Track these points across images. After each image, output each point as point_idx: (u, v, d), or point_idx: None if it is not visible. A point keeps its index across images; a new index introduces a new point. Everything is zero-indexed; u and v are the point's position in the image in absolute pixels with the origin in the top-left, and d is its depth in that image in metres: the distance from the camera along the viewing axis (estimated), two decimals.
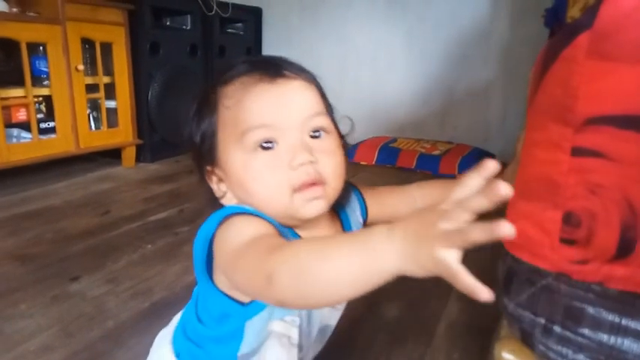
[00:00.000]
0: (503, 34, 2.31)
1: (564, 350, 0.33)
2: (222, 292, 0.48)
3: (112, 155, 2.13)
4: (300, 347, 0.53)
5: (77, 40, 1.79)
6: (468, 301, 1.03)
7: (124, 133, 2.08)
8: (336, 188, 0.48)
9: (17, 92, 1.66)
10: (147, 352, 0.83)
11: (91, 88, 1.91)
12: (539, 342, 0.34)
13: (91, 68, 1.92)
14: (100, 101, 1.96)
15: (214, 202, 0.53)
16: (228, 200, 0.50)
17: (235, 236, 0.42)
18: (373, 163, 2.31)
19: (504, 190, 0.26)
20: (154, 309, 0.99)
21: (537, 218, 0.34)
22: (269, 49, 2.95)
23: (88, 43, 1.87)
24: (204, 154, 0.50)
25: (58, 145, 1.80)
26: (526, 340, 0.36)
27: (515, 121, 2.24)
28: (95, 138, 1.95)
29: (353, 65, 2.71)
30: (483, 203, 0.27)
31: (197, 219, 1.51)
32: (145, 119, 2.16)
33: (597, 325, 0.32)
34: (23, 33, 1.62)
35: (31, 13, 1.69)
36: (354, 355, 0.86)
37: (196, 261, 0.49)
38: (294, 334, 0.51)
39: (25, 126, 1.71)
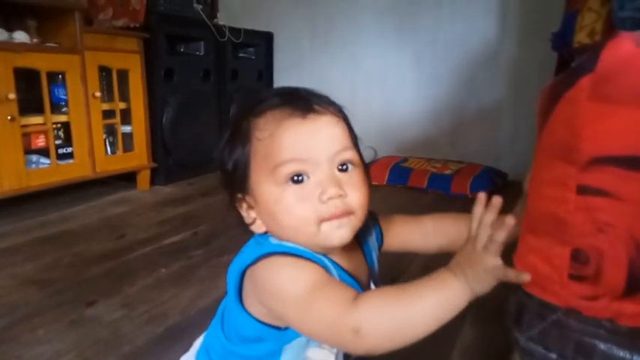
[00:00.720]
0: (511, 55, 2.33)
1: None
2: (256, 319, 0.49)
3: (127, 179, 2.17)
4: None
5: (94, 68, 1.85)
6: (481, 327, 1.03)
7: (139, 157, 2.12)
8: (361, 219, 0.50)
9: (37, 119, 1.71)
10: None
11: (108, 114, 1.96)
12: None
13: (107, 94, 1.98)
14: (116, 126, 2.01)
15: (244, 227, 0.54)
16: (258, 227, 0.51)
17: (290, 283, 0.44)
18: (384, 183, 2.31)
19: (510, 221, 0.35)
20: (168, 334, 1.00)
21: (546, 254, 0.35)
22: (280, 72, 3.00)
23: (104, 71, 1.93)
24: (235, 182, 0.51)
25: (76, 169, 1.84)
26: None
27: (526, 140, 2.23)
28: (111, 162, 2.00)
29: (363, 87, 2.75)
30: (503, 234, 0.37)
31: (211, 242, 1.53)
32: (160, 143, 2.21)
33: None
34: (43, 63, 1.68)
35: (51, 44, 1.75)
36: None
37: (230, 288, 0.51)
38: None
39: (44, 152, 1.76)
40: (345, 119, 0.53)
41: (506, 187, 2.15)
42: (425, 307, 0.40)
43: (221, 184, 0.55)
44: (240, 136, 0.51)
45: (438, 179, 2.21)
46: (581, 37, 0.98)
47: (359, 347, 0.41)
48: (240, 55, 2.75)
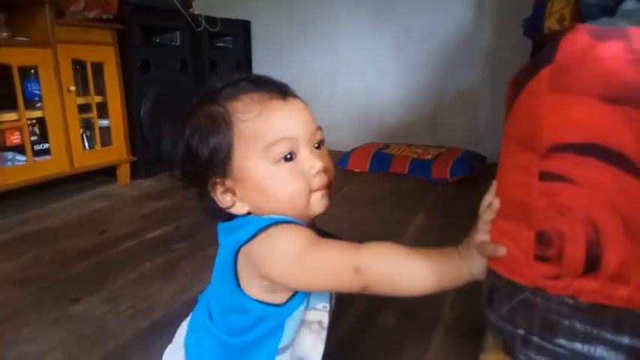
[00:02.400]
0: (487, 41, 2.35)
1: (542, 359, 0.36)
2: (256, 300, 0.52)
3: (107, 173, 2.14)
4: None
5: (68, 61, 1.81)
6: (461, 308, 1.06)
7: (118, 151, 2.09)
8: (332, 190, 0.56)
9: (10, 116, 1.67)
10: None
11: (84, 108, 1.93)
12: (520, 352, 0.37)
13: (82, 88, 1.94)
14: (92, 120, 1.98)
15: (215, 214, 0.55)
16: (239, 209, 0.54)
17: (288, 244, 0.49)
18: (366, 170, 2.33)
19: (496, 203, 0.41)
20: (154, 327, 1.01)
21: (514, 237, 0.37)
22: (259, 62, 2.98)
23: (79, 64, 1.89)
24: (212, 167, 0.53)
25: (53, 166, 1.81)
26: (508, 350, 0.38)
27: (504, 123, 2.28)
28: (89, 157, 1.97)
29: (343, 75, 2.75)
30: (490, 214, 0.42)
31: (193, 235, 1.53)
32: (139, 136, 2.18)
33: (571, 335, 0.34)
34: (14, 57, 1.64)
35: (22, 38, 1.71)
36: None
37: (224, 275, 0.52)
38: (325, 319, 0.58)
39: (20, 149, 1.72)
40: None
41: (485, 170, 2.20)
42: (424, 268, 0.45)
43: (185, 177, 0.56)
44: (215, 121, 0.52)
45: (419, 165, 2.24)
46: (551, 23, 1.01)
47: (357, 284, 0.47)
48: (218, 44, 2.72)
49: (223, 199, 0.54)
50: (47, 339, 0.97)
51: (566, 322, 0.34)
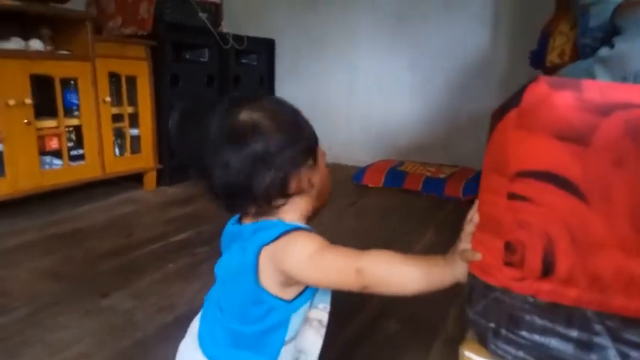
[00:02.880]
0: (502, 63, 2.43)
1: (509, 349, 0.43)
2: (268, 292, 0.61)
3: (134, 179, 2.27)
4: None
5: (105, 74, 1.95)
6: (464, 322, 1.12)
7: (146, 159, 2.21)
8: None
9: (50, 123, 1.81)
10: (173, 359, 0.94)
11: (117, 118, 2.06)
12: (491, 342, 0.44)
13: (116, 99, 2.07)
14: (124, 129, 2.11)
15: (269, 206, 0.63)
16: (312, 197, 0.66)
17: (304, 247, 0.58)
18: (381, 185, 2.41)
19: (476, 218, 0.50)
20: (177, 322, 1.09)
21: (487, 246, 0.45)
22: (281, 78, 3.10)
23: (114, 77, 2.03)
24: (310, 151, 0.64)
25: (87, 170, 1.94)
26: (482, 341, 0.45)
27: None
28: (119, 163, 2.09)
29: (360, 93, 2.84)
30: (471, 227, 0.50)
31: (214, 240, 1.62)
32: (165, 146, 2.30)
33: (532, 328, 0.42)
34: (57, 69, 1.78)
35: (64, 52, 1.85)
36: None
37: (244, 271, 0.61)
38: (325, 318, 0.67)
39: (57, 154, 1.85)
40: None
41: None
42: (415, 271, 0.54)
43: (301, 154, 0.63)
44: (304, 117, 0.66)
45: (432, 182, 2.31)
46: (552, 57, 1.08)
47: (357, 284, 0.56)
48: (243, 61, 2.85)
49: (303, 183, 0.63)
50: (81, 327, 1.07)
51: (528, 317, 0.42)
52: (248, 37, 2.72)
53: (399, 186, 2.38)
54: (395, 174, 2.42)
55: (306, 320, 0.66)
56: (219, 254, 1.56)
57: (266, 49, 2.99)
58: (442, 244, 0.58)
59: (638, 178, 0.36)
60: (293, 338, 0.65)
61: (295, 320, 0.64)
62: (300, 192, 0.63)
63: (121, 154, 2.14)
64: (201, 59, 2.51)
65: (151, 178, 2.27)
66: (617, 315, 0.39)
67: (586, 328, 0.40)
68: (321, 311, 0.67)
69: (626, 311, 0.38)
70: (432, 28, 2.59)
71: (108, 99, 1.96)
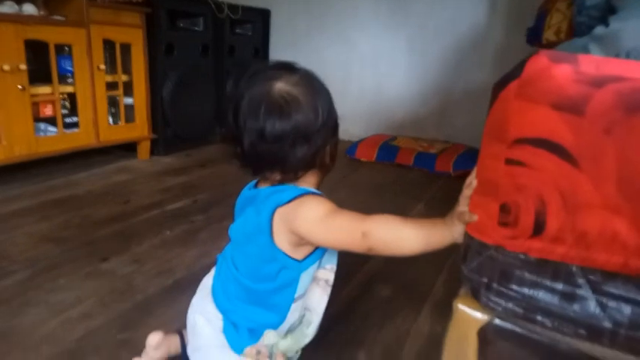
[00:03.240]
0: (497, 42, 2.44)
1: (500, 301, 0.47)
2: (281, 250, 0.64)
3: (128, 148, 2.27)
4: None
5: (99, 41, 1.93)
6: (452, 288, 1.17)
7: (140, 128, 2.21)
8: None
9: (45, 89, 1.79)
10: (173, 321, 0.98)
11: (111, 86, 2.04)
12: (484, 296, 0.48)
13: (110, 67, 2.05)
14: (118, 98, 2.10)
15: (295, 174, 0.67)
16: (329, 166, 0.70)
17: (315, 210, 0.61)
18: (374, 159, 2.44)
19: (475, 182, 0.53)
20: (176, 286, 1.13)
21: (484, 208, 0.48)
22: (276, 50, 3.08)
23: (108, 44, 2.00)
24: (329, 130, 0.66)
25: (81, 138, 1.94)
26: (475, 295, 0.49)
27: None
28: (114, 132, 2.09)
29: (357, 68, 2.84)
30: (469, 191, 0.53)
31: (210, 209, 1.65)
32: (160, 115, 2.30)
33: (522, 282, 0.46)
34: (52, 35, 1.76)
35: (58, 17, 1.82)
36: (351, 327, 1.00)
37: (259, 231, 0.64)
38: (331, 278, 0.71)
39: (52, 121, 1.84)
40: None
41: None
42: (417, 233, 0.58)
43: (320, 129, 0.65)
44: (328, 105, 0.67)
45: (423, 157, 2.34)
46: (549, 35, 1.11)
47: (363, 245, 0.60)
48: (237, 31, 2.82)
49: (326, 158, 0.68)
50: (82, 289, 1.10)
51: (518, 272, 0.45)
52: (243, 7, 2.69)
53: (391, 160, 2.41)
54: (387, 149, 2.45)
55: (313, 279, 0.70)
56: (215, 222, 1.60)
57: (261, 19, 2.96)
58: (432, 217, 0.62)
59: (625, 145, 0.39)
60: (302, 296, 0.69)
61: (304, 279, 0.68)
62: (322, 166, 0.67)
63: (115, 122, 2.14)
64: (196, 28, 2.48)
65: (144, 148, 2.28)
66: (598, 270, 0.42)
67: (570, 281, 0.44)
68: (328, 271, 0.71)
69: (607, 266, 0.42)
70: (430, 5, 2.58)
71: (102, 66, 1.95)
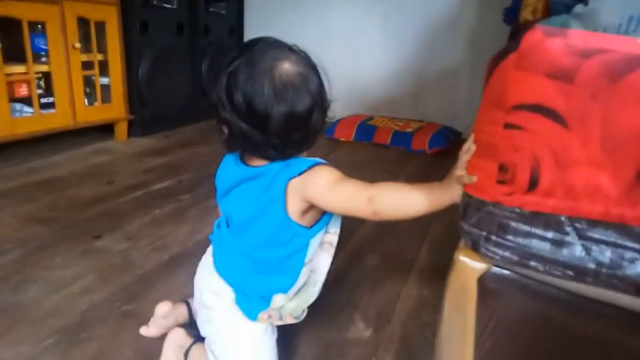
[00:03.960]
0: (470, 22, 2.51)
1: (497, 251, 0.53)
2: (293, 220, 0.69)
3: (104, 130, 2.24)
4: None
5: (74, 19, 1.88)
6: (435, 254, 1.25)
7: (117, 109, 2.18)
8: None
9: (19, 69, 1.75)
10: (174, 292, 1.02)
11: (86, 65, 2.00)
12: (483, 247, 0.54)
13: (85, 46, 2.01)
14: (94, 78, 2.06)
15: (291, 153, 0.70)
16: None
17: (326, 177, 0.66)
18: (351, 139, 2.50)
19: (473, 147, 0.57)
20: (173, 260, 1.16)
21: (483, 168, 0.54)
22: (251, 28, 3.06)
23: (83, 22, 1.95)
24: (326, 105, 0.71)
25: (57, 119, 1.90)
26: (474, 247, 0.55)
27: (482, 93, 2.46)
28: (90, 113, 2.06)
29: (332, 48, 2.86)
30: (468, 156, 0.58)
31: (195, 188, 1.67)
32: (136, 95, 2.27)
33: (517, 233, 0.52)
34: (24, 12, 1.70)
35: None
36: (343, 294, 1.06)
37: (273, 201, 0.68)
38: (335, 240, 0.77)
39: (27, 101, 1.80)
40: None
41: (460, 143, 2.39)
42: (418, 196, 0.63)
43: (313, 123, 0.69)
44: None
45: (400, 136, 2.41)
46: (526, 14, 1.17)
47: (369, 210, 0.64)
48: (212, 10, 2.78)
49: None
50: (80, 266, 1.11)
51: (514, 224, 0.52)
52: None
53: (368, 140, 2.47)
54: (365, 128, 2.51)
55: (320, 243, 0.75)
56: (203, 201, 1.61)
57: None
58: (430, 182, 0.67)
59: (608, 108, 0.45)
60: (311, 260, 0.74)
61: (313, 244, 0.72)
62: (313, 143, 0.71)
63: (91, 103, 2.10)
64: (170, 6, 2.44)
65: (122, 129, 2.25)
66: (584, 218, 0.49)
67: (559, 230, 0.50)
68: (332, 235, 0.76)
69: (591, 215, 0.48)
70: None
71: (77, 45, 1.90)
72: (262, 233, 0.72)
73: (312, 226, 0.72)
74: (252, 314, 0.75)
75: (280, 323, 0.78)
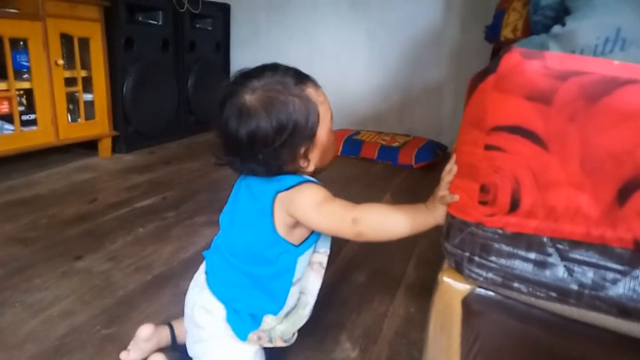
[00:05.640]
0: (454, 38, 2.55)
1: (480, 272, 0.53)
2: (281, 236, 0.68)
3: (88, 146, 2.21)
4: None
5: (56, 35, 1.86)
6: (422, 271, 1.24)
7: (101, 125, 2.16)
8: None
9: (0, 86, 1.72)
10: (157, 314, 1.00)
11: (69, 82, 1.98)
12: (466, 268, 0.54)
13: (69, 62, 1.99)
14: (77, 94, 2.04)
15: (273, 171, 0.69)
16: (309, 167, 0.71)
17: (312, 196, 0.66)
18: (338, 154, 2.50)
19: (455, 169, 0.58)
20: (156, 281, 1.14)
21: (465, 189, 0.54)
22: (237, 45, 3.07)
23: (66, 38, 1.94)
24: (304, 137, 0.68)
25: (39, 136, 1.87)
26: (458, 267, 0.55)
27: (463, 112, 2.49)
28: (73, 130, 2.03)
29: (318, 63, 2.88)
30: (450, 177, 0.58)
31: (180, 206, 1.65)
32: (120, 112, 2.25)
33: (500, 254, 0.51)
34: (6, 28, 1.68)
35: (12, 10, 1.75)
36: (331, 311, 1.05)
37: (260, 216, 0.68)
38: (325, 261, 0.76)
39: (8, 118, 1.77)
40: None
41: (446, 157, 2.40)
42: (403, 218, 0.63)
43: (278, 146, 0.66)
44: (309, 103, 0.68)
45: (386, 151, 2.42)
46: (506, 33, 1.19)
47: (353, 231, 0.64)
48: (198, 25, 2.79)
49: (304, 161, 0.70)
50: (60, 288, 1.08)
51: (497, 245, 0.51)
52: (203, 1, 2.66)
53: (355, 154, 2.48)
54: (352, 143, 2.52)
55: (308, 263, 0.74)
56: (187, 219, 1.60)
57: (221, 14, 2.94)
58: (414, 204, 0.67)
59: (587, 130, 0.45)
60: (299, 280, 0.73)
61: (301, 263, 0.72)
62: (304, 167, 0.71)
63: (75, 120, 2.08)
64: (156, 22, 2.44)
65: (106, 145, 2.22)
66: (565, 239, 0.49)
67: (542, 251, 0.50)
68: (322, 255, 0.76)
69: (572, 235, 0.48)
70: (389, 2, 2.65)
71: (60, 61, 1.88)
72: (251, 247, 0.72)
73: (300, 244, 0.71)
74: (242, 334, 0.73)
75: (270, 346, 0.77)
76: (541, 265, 0.50)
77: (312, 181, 0.70)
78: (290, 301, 0.73)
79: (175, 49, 2.55)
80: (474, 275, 0.54)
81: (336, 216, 0.65)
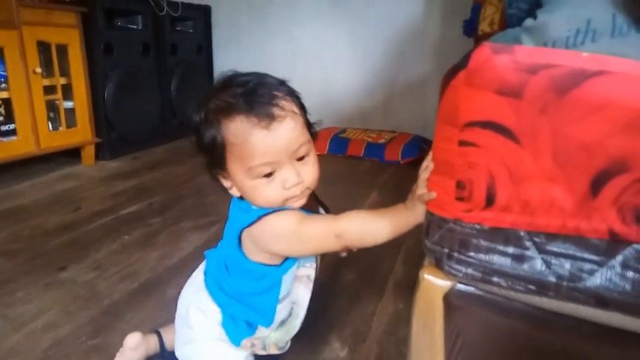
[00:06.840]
0: (435, 34, 2.56)
1: (460, 268, 0.53)
2: (259, 264, 0.67)
3: (70, 154, 2.18)
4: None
5: (33, 43, 1.84)
6: (409, 267, 1.25)
7: (83, 133, 2.13)
8: (312, 188, 0.68)
9: None
10: (144, 322, 0.98)
11: (49, 90, 1.95)
12: (446, 264, 0.54)
13: (47, 70, 1.96)
14: (57, 102, 2.01)
15: (221, 188, 0.69)
16: (234, 192, 0.68)
17: (286, 224, 0.62)
18: (325, 152, 2.50)
19: (431, 165, 0.57)
20: (142, 289, 1.12)
21: (442, 186, 0.54)
22: (219, 47, 3.05)
23: (43, 46, 1.91)
24: (213, 160, 0.65)
25: (20, 146, 1.84)
26: (438, 264, 0.55)
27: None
28: (55, 138, 2.00)
29: (302, 63, 2.88)
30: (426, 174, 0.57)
31: (166, 211, 1.63)
32: (103, 118, 2.22)
33: (478, 249, 0.51)
34: None
35: None
36: (319, 312, 1.04)
37: (231, 247, 0.67)
38: (312, 273, 0.74)
39: None
40: (301, 109, 0.67)
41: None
42: (384, 223, 0.62)
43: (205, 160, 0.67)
44: (213, 129, 0.62)
45: (373, 148, 2.43)
46: (484, 26, 1.20)
47: (339, 245, 0.63)
48: (179, 28, 2.77)
49: (225, 182, 0.68)
50: (43, 300, 1.07)
51: (475, 240, 0.51)
52: (183, 4, 2.64)
53: (342, 153, 2.48)
54: (338, 141, 2.51)
55: (296, 278, 0.73)
56: (173, 225, 1.58)
57: (202, 16, 2.92)
58: (386, 204, 0.66)
59: (557, 122, 0.46)
60: (287, 295, 0.72)
61: (286, 280, 0.70)
62: (227, 187, 0.68)
63: (56, 128, 2.05)
64: (135, 27, 2.41)
65: (89, 153, 2.20)
66: (542, 232, 0.49)
67: (519, 244, 0.50)
68: (308, 268, 0.74)
69: (548, 228, 0.49)
70: (369, 0, 2.66)
71: (38, 70, 1.86)
72: (235, 264, 0.71)
73: (282, 263, 0.69)
74: (236, 340, 0.73)
75: (263, 353, 0.76)
76: (519, 258, 0.50)
77: (272, 212, 0.64)
78: (280, 315, 0.72)
79: (156, 52, 2.53)
80: (453, 271, 0.54)
81: (319, 237, 0.63)
